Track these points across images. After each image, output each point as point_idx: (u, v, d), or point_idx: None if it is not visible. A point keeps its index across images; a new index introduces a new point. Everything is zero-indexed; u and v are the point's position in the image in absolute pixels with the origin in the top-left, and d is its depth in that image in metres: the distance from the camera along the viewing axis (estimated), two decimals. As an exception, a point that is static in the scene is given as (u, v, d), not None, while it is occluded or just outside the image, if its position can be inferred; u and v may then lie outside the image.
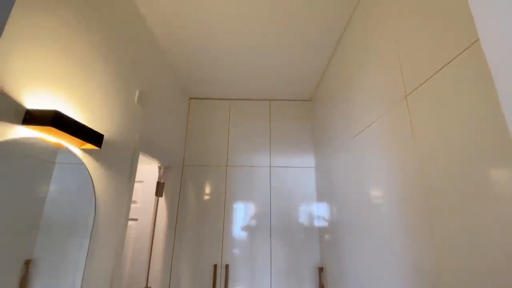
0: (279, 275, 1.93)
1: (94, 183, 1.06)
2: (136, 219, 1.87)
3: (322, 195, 1.97)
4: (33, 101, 0.78)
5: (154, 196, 1.92)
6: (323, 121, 1.95)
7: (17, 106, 0.73)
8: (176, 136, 2.08)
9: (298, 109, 2.40)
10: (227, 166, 2.22)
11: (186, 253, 1.98)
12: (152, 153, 1.66)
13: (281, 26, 1.52)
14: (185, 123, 2.32)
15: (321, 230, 1.97)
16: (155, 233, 1.86)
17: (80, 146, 0.97)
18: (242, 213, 2.08)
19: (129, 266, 1.76)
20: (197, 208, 2.10)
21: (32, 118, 0.76)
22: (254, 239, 2.01)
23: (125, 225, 1.34)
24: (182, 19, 1.48)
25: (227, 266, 1.91)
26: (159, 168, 2.01)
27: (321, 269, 1.90)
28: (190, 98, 2.44)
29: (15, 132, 0.73)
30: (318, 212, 2.05)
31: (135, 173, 1.43)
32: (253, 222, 2.05)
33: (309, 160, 2.24)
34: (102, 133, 1.07)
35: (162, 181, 1.99)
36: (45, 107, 0.82)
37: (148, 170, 1.99)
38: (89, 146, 0.96)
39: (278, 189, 2.14)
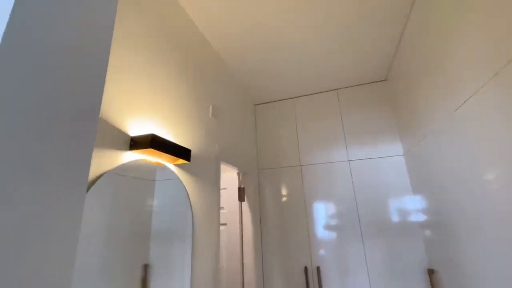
0: (378, 277, 1.74)
1: (188, 193, 1.18)
2: (225, 224, 2.01)
3: (418, 186, 1.70)
4: (133, 128, 0.92)
5: (238, 201, 2.03)
6: (408, 100, 1.69)
7: (124, 135, 0.88)
8: (248, 143, 2.16)
9: (372, 93, 2.16)
10: (300, 165, 2.17)
11: (275, 254, 2.01)
12: (231, 161, 1.76)
13: None
14: (254, 130, 2.39)
15: (423, 226, 1.69)
16: (243, 236, 1.95)
17: (174, 162, 1.09)
18: (325, 212, 1.99)
19: (225, 265, 1.90)
20: (278, 210, 2.12)
21: (136, 143, 0.89)
22: (343, 239, 1.88)
23: (218, 228, 1.45)
24: (239, 31, 1.53)
25: (318, 269, 1.85)
26: (238, 174, 2.12)
27: (431, 271, 1.62)
28: (255, 105, 2.51)
29: (125, 157, 0.87)
30: (416, 206, 1.77)
31: (220, 181, 1.54)
32: (339, 221, 1.93)
33: (394, 148, 1.97)
34: (189, 148, 1.18)
35: (242, 186, 2.09)
36: (143, 132, 0.95)
37: (229, 178, 2.13)
38: (180, 161, 1.08)
39: (361, 183, 1.96)
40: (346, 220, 1.91)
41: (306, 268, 1.88)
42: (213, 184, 1.46)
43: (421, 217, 1.71)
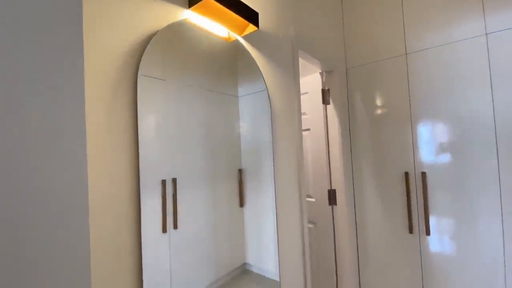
0: None
1: (270, 98, 1.05)
2: (308, 129, 1.88)
3: None
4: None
5: (322, 105, 1.81)
6: None
7: (180, -11, 0.75)
8: (332, 35, 1.78)
9: None
10: (406, 54, 1.67)
11: (366, 160, 1.80)
12: (311, 52, 1.49)
13: None
14: (340, 20, 1.93)
15: None
16: (329, 141, 1.80)
17: (241, 33, 0.94)
18: (438, 111, 1.54)
19: (311, 172, 1.85)
20: (371, 111, 1.79)
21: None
22: (465, 149, 1.45)
23: (300, 130, 1.33)
24: None
25: (423, 174, 1.55)
26: (321, 74, 1.84)
27: None
28: (342, -14, 1.96)
29: (183, 14, 0.77)
30: None
31: (298, 72, 1.34)
32: (461, 126, 1.47)
33: None
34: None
35: (326, 88, 1.83)
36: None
37: (310, 81, 1.89)
38: (249, 29, 0.92)
39: (505, 69, 1.36)
40: (472, 124, 1.44)
41: (406, 174, 1.61)
42: (291, 75, 1.27)
43: None
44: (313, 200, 1.83)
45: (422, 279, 1.55)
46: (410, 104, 1.64)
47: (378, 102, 1.77)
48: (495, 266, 1.35)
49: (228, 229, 0.89)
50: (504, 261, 1.33)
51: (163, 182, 0.68)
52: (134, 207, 0.62)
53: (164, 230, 0.68)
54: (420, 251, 1.55)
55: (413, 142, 1.62)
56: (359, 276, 1.80)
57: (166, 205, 0.69)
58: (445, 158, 1.51)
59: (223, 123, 0.92)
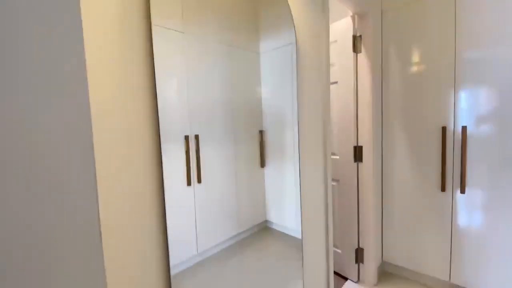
0: None
1: (298, 48, 0.94)
2: (336, 82, 1.75)
3: None
4: None
5: (352, 54, 1.64)
6: None
7: None
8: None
9: None
10: (458, -11, 1.39)
11: (398, 114, 1.67)
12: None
13: None
14: None
15: None
16: (358, 93, 1.67)
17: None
18: (491, 64, 1.32)
19: (336, 128, 1.77)
20: (408, 60, 1.60)
21: None
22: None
23: (327, 81, 1.23)
24: None
25: (464, 129, 1.41)
26: (352, 18, 1.63)
27: None
28: None
29: None
30: None
31: (328, 15, 1.18)
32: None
33: None
34: None
35: (358, 34, 1.63)
36: None
37: (340, 27, 1.69)
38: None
39: None
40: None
41: (444, 128, 1.48)
42: (320, 18, 1.13)
43: None
44: (338, 157, 1.79)
45: (451, 242, 1.52)
46: (455, 51, 1.42)
47: (417, 54, 1.56)
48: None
49: (249, 187, 0.91)
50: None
51: (186, 138, 0.68)
52: (156, 161, 0.62)
53: (189, 183, 0.70)
54: (452, 210, 1.50)
55: (455, 100, 1.44)
56: (382, 236, 1.81)
57: (190, 159, 0.70)
58: (489, 122, 1.34)
59: (244, 82, 0.88)
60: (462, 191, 1.43)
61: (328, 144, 1.26)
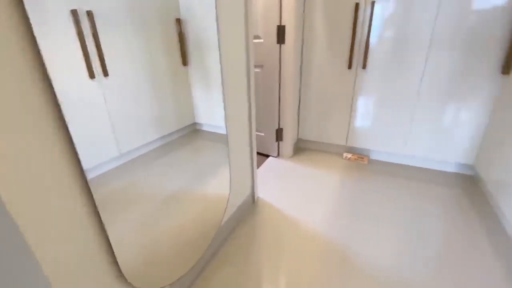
0: (441, 49, 1.43)
1: None
2: None
3: None
4: None
5: None
6: None
7: None
8: None
9: None
10: None
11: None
12: None
13: None
14: None
15: None
16: None
17: None
18: None
19: (260, 8, 1.46)
20: None
21: None
22: None
23: None
24: None
25: (372, 4, 1.47)
26: None
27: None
28: None
29: None
30: None
31: None
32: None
33: None
34: None
35: None
36: None
37: None
38: None
39: None
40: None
41: (357, 4, 1.50)
42: None
43: None
44: (262, 40, 1.64)
45: (350, 112, 1.81)
46: None
47: None
48: (409, 97, 1.62)
49: (172, 86, 0.78)
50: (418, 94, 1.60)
51: (74, 14, 0.44)
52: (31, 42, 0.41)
53: (91, 75, 0.54)
54: (354, 84, 1.72)
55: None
56: (298, 116, 2.00)
57: (86, 45, 0.49)
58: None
59: None
60: (364, 67, 1.64)
61: (250, 27, 1.09)
